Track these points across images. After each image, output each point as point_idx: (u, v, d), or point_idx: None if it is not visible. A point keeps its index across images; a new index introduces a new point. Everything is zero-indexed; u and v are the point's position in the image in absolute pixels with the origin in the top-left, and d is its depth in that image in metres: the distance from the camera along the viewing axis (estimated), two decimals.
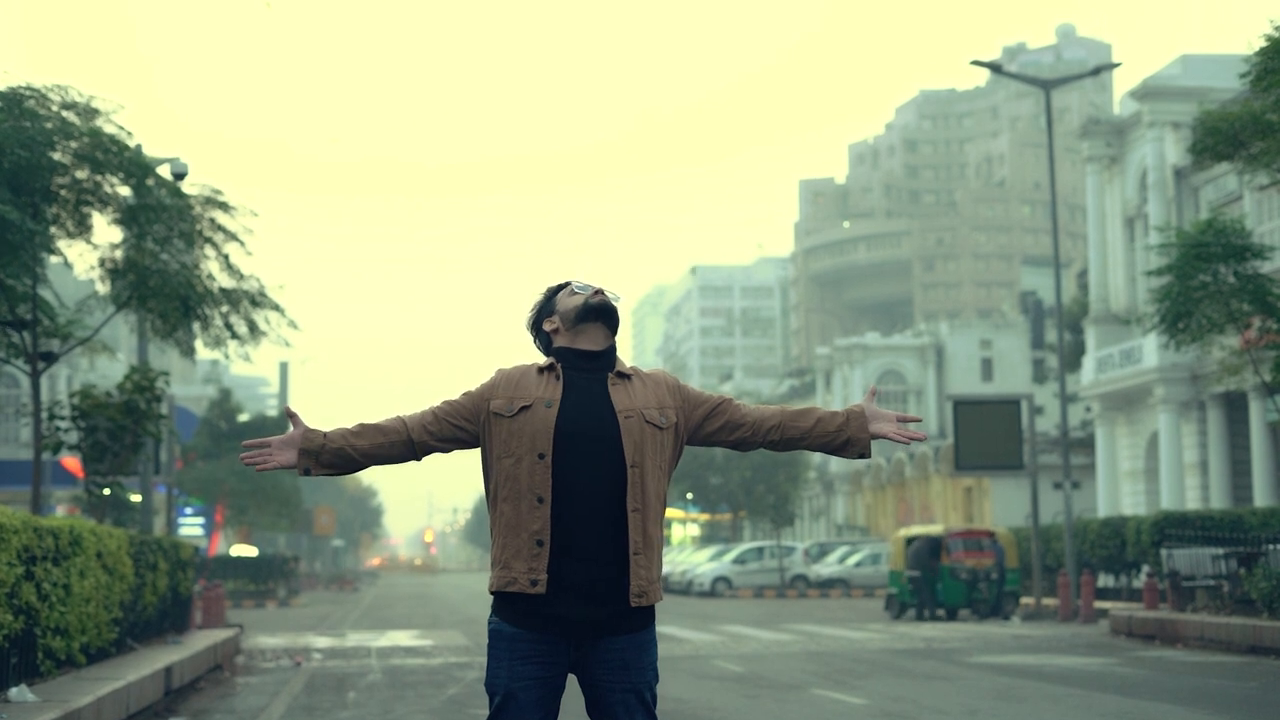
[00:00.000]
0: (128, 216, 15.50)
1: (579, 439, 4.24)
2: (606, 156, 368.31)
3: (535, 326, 4.57)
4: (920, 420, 4.56)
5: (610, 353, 4.44)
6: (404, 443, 4.44)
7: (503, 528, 4.29)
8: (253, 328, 17.20)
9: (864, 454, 4.48)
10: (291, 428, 4.46)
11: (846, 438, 4.46)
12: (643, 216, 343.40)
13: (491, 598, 4.37)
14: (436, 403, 4.51)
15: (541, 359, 4.53)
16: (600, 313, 4.40)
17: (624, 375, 4.40)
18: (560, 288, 4.58)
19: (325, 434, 4.44)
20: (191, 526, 48.51)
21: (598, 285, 4.49)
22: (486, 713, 4.58)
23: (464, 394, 4.48)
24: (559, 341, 4.46)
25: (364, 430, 4.44)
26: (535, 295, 4.69)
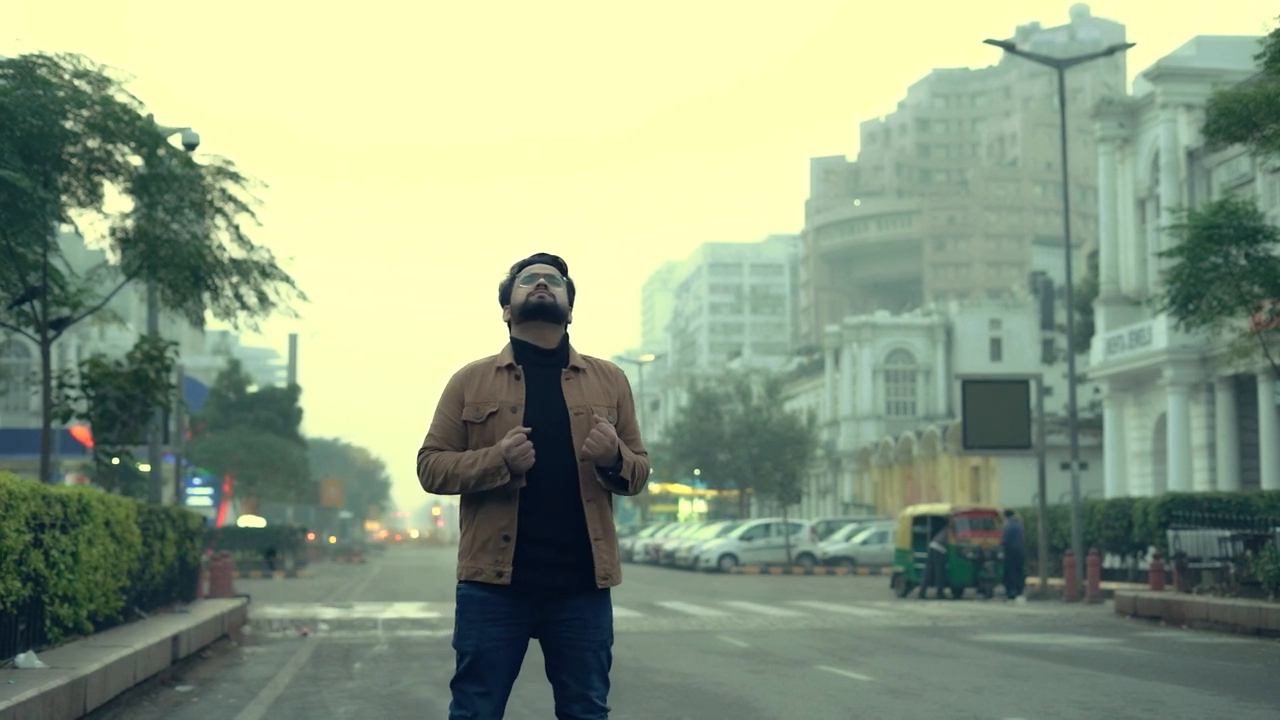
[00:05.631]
0: (139, 186, 15.50)
1: (541, 440, 4.50)
2: (624, 140, 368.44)
3: (504, 303, 4.78)
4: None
5: (564, 346, 4.69)
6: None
7: (474, 523, 4.57)
8: (262, 299, 17.20)
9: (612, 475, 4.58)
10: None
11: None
12: (656, 194, 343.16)
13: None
14: (435, 432, 4.67)
15: (500, 342, 4.79)
16: (539, 312, 4.63)
17: (578, 369, 4.66)
18: (526, 263, 4.76)
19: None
20: (200, 497, 48.61)
21: (543, 271, 4.67)
22: None
23: (441, 414, 4.67)
24: (514, 332, 4.72)
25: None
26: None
